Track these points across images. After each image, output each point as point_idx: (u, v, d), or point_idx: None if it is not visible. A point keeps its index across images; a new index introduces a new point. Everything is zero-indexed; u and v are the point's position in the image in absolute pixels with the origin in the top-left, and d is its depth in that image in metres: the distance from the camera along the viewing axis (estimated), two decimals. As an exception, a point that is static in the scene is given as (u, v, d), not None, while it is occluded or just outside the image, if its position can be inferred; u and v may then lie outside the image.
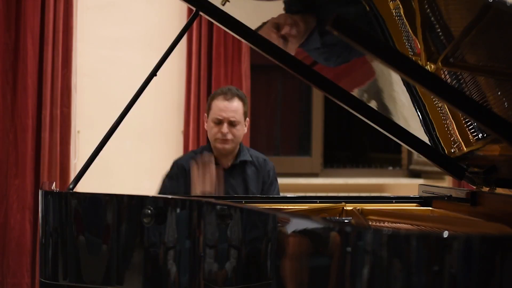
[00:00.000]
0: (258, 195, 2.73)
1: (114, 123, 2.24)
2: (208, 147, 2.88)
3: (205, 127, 2.90)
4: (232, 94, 2.82)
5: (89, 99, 4.12)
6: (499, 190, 2.03)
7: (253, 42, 2.25)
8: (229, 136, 2.78)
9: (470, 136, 2.09)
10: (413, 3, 1.95)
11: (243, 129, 2.85)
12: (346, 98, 2.22)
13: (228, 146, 2.81)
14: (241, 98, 2.84)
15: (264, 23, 2.35)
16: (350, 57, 2.44)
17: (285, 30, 2.31)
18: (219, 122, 2.80)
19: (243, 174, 2.86)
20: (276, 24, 2.32)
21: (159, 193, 2.81)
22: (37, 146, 3.97)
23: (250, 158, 2.88)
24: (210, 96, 2.92)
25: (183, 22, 3.99)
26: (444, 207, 2.32)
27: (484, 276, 1.28)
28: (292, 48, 2.36)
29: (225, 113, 2.78)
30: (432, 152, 2.28)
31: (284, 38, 2.34)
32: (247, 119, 2.89)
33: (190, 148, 4.05)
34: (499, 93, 1.80)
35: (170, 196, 2.03)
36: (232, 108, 2.80)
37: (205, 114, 2.90)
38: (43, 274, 2.05)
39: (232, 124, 2.79)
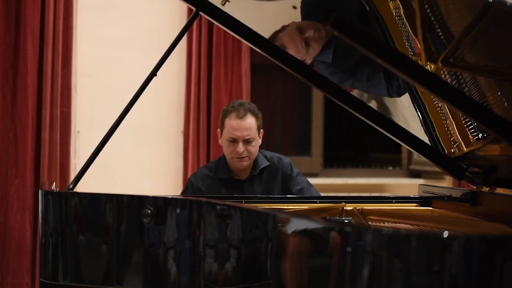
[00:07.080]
0: (259, 195, 2.73)
1: (114, 123, 2.23)
2: (223, 161, 2.85)
3: (219, 142, 2.85)
4: (244, 111, 2.75)
5: (89, 99, 4.12)
6: (499, 190, 2.03)
7: (253, 42, 2.25)
8: (245, 154, 2.75)
9: (470, 136, 2.09)
10: (413, 3, 1.95)
11: (258, 143, 2.81)
12: (346, 98, 2.22)
13: (245, 163, 2.79)
14: (254, 113, 2.78)
15: (285, 26, 2.34)
16: (354, 86, 2.42)
17: (309, 34, 2.30)
18: (233, 141, 2.75)
19: (263, 181, 2.84)
20: (299, 27, 2.31)
21: None
22: (37, 146, 3.97)
23: (267, 163, 2.85)
24: (223, 112, 2.83)
25: (183, 22, 3.98)
26: (444, 207, 2.32)
27: (484, 276, 1.28)
28: (309, 54, 2.33)
29: (239, 132, 2.73)
30: (432, 152, 2.28)
31: (306, 42, 2.31)
32: (261, 130, 2.84)
33: (190, 149, 4.04)
34: (499, 93, 1.80)
35: (170, 196, 2.03)
36: (246, 126, 2.74)
37: (218, 130, 2.84)
38: (43, 274, 2.05)
39: (247, 141, 2.75)
